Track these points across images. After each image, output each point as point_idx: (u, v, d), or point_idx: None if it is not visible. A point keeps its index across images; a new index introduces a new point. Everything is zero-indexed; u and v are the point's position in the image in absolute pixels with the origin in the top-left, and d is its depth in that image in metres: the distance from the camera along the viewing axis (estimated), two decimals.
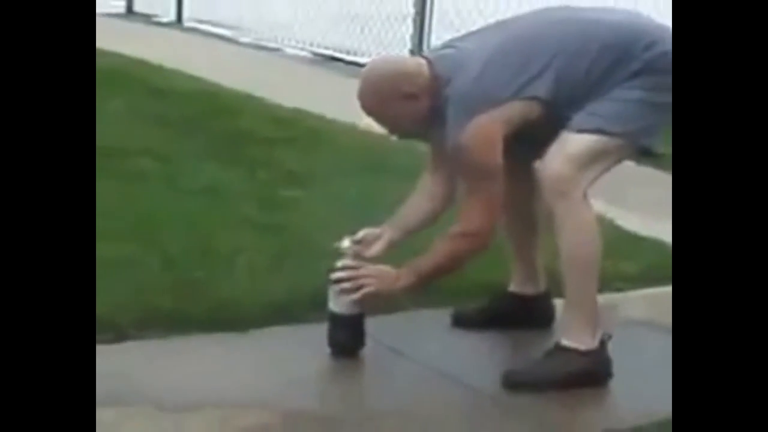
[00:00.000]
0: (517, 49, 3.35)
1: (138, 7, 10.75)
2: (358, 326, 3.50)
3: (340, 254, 3.50)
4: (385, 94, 3.37)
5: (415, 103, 3.35)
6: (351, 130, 5.76)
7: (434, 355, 3.54)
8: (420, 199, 3.61)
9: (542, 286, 3.73)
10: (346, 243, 3.50)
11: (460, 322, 3.76)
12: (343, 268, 3.45)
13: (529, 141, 3.33)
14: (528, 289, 3.73)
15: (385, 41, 8.37)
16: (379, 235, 3.56)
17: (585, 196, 3.31)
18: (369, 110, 3.42)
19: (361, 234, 3.54)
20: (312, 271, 3.65)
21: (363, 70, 3.52)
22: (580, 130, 3.30)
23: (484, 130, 3.26)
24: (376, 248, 3.53)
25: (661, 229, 4.64)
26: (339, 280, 3.44)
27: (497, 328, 3.72)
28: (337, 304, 3.47)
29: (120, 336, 3.50)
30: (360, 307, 3.46)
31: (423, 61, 3.43)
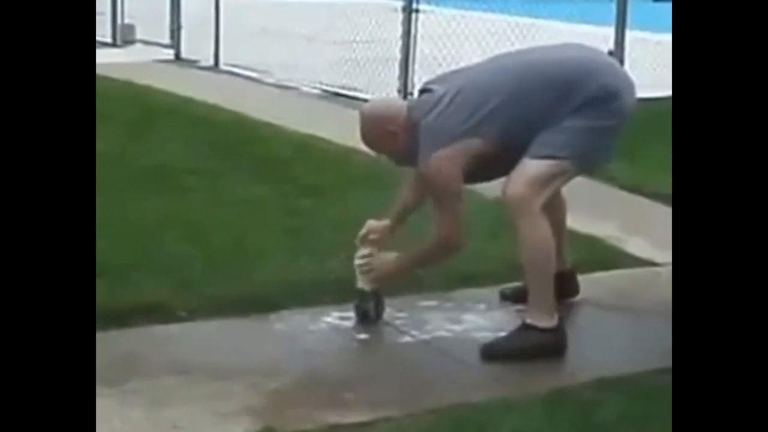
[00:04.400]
0: (473, 93, 3.25)
1: (184, 54, 10.62)
2: (378, 299, 3.50)
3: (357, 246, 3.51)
4: (375, 133, 3.39)
5: (396, 138, 3.33)
6: (352, 151, 5.66)
7: (427, 332, 3.46)
8: (406, 195, 3.57)
9: (568, 264, 3.63)
10: (371, 223, 3.53)
11: (506, 297, 3.69)
12: (361, 256, 3.50)
13: (505, 162, 3.23)
14: (558, 267, 3.45)
15: (377, 81, 8.27)
16: (383, 225, 3.54)
17: (540, 210, 3.21)
18: (365, 143, 3.47)
19: (367, 225, 3.54)
20: (325, 263, 3.56)
21: (360, 113, 3.46)
22: (536, 157, 3.21)
23: (444, 162, 3.21)
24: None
25: (595, 228, 4.55)
26: (359, 265, 3.50)
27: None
28: (362, 282, 3.49)
29: (172, 318, 3.42)
30: (378, 284, 3.48)
31: (404, 105, 3.44)
